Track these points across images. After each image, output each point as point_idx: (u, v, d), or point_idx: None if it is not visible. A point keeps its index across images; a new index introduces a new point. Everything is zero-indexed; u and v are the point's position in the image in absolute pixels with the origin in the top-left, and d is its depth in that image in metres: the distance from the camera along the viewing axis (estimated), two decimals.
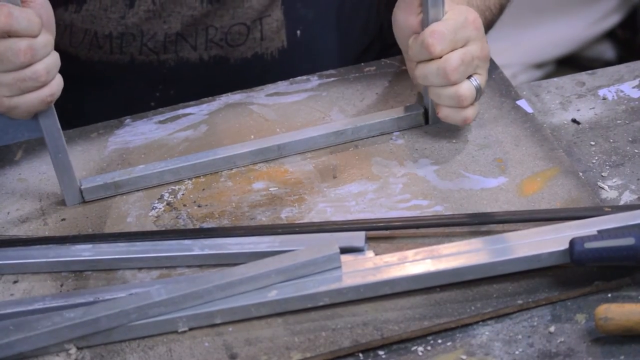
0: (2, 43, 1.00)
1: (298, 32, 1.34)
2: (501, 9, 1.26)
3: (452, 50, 1.07)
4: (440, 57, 1.07)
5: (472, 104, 1.10)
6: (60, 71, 1.05)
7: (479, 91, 1.10)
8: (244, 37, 1.31)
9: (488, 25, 1.24)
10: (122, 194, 1.12)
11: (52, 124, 1.06)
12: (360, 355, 0.92)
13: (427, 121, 1.17)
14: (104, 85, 1.37)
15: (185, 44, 1.31)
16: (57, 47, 1.05)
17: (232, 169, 1.14)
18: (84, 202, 1.11)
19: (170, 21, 1.29)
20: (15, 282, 1.03)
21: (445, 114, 1.11)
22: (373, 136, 1.16)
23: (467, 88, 1.09)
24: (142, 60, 1.32)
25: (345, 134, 1.16)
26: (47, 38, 1.03)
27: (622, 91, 1.21)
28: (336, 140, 1.16)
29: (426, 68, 1.08)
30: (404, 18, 1.11)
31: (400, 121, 1.16)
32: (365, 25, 1.42)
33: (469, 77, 1.09)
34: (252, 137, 1.18)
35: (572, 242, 0.93)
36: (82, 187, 1.11)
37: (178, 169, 1.13)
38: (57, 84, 1.04)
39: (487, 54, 1.11)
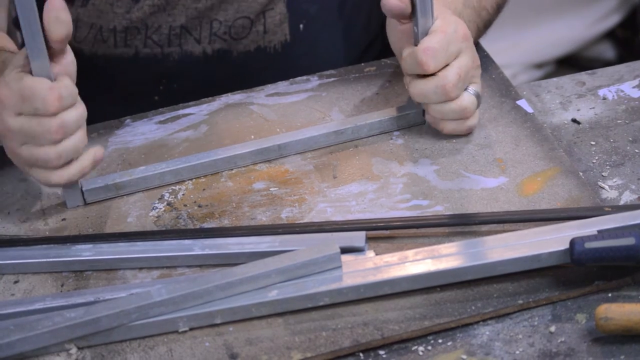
0: (35, 120, 1.02)
1: (301, 26, 1.34)
2: (498, 9, 1.26)
3: (445, 65, 1.08)
4: (435, 74, 1.08)
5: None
6: None
7: (478, 98, 1.11)
8: (247, 30, 1.32)
9: (485, 25, 1.24)
10: (123, 195, 1.12)
11: None
12: (361, 355, 0.92)
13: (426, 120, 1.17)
14: (107, 79, 1.37)
15: (190, 37, 1.31)
16: None
17: (232, 170, 1.14)
18: (85, 204, 1.11)
19: (174, 14, 1.30)
20: (15, 282, 1.03)
21: (451, 128, 1.13)
22: (373, 135, 1.16)
23: (468, 100, 1.10)
24: (146, 53, 1.33)
25: (345, 134, 1.16)
26: (78, 112, 1.04)
27: (622, 91, 1.21)
28: (336, 140, 1.16)
29: (424, 87, 1.09)
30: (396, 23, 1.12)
31: (399, 120, 1.17)
32: (367, 22, 1.42)
33: (465, 89, 1.10)
34: (252, 137, 1.18)
35: (573, 242, 0.93)
36: (83, 189, 1.11)
37: (179, 170, 1.13)
38: (83, 162, 1.06)
39: (479, 62, 1.12)
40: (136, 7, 1.29)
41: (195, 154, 1.15)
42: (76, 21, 1.31)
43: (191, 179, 1.13)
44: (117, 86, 1.37)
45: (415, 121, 1.17)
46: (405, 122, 1.17)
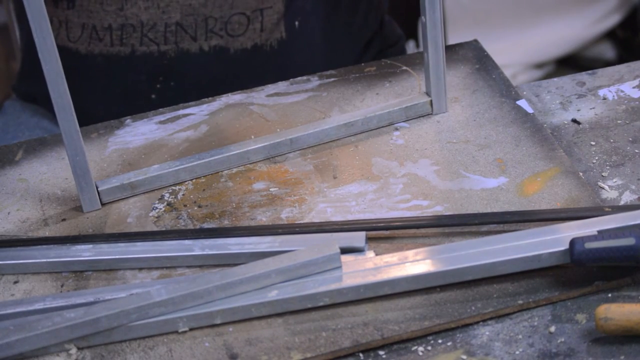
0: None
1: (296, 23, 1.34)
2: None
3: None
4: None
5: None
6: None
7: None
8: (244, 27, 1.32)
9: None
10: (138, 194, 1.12)
11: (70, 125, 1.04)
12: (361, 355, 0.92)
13: (432, 110, 1.18)
14: (105, 78, 1.37)
15: (185, 34, 1.32)
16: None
17: (232, 169, 1.14)
18: (102, 205, 1.10)
19: (169, 11, 1.30)
20: (15, 282, 1.03)
21: None
22: (382, 126, 1.17)
23: None
24: (143, 51, 1.33)
25: (355, 125, 1.16)
26: None
27: (622, 91, 1.21)
28: (347, 132, 1.16)
29: None
30: None
31: (408, 110, 1.17)
32: (364, 19, 1.42)
33: None
34: (252, 137, 1.18)
35: (572, 242, 0.93)
36: (99, 189, 1.10)
37: (193, 167, 1.12)
38: None
39: None
40: (129, 4, 1.29)
41: (210, 151, 1.14)
42: (66, 22, 1.31)
43: (191, 179, 1.13)
44: (115, 85, 1.37)
45: (422, 112, 1.17)
46: (413, 112, 1.18)
